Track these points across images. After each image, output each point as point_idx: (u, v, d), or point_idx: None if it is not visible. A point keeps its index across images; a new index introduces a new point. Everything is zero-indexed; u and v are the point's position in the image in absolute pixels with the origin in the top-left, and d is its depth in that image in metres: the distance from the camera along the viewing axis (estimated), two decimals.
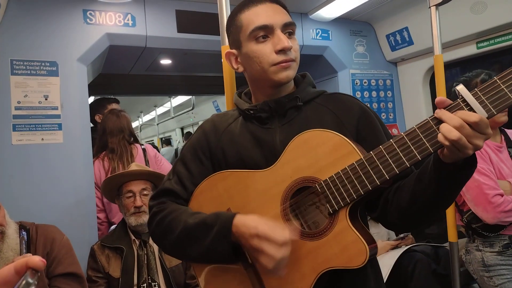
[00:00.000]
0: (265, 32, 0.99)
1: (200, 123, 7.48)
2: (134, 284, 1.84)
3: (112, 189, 1.99)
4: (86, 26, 2.31)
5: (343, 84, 3.11)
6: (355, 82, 3.16)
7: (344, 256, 0.86)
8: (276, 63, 0.98)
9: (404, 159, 0.82)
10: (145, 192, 1.93)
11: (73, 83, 2.25)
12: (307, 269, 0.90)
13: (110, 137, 2.47)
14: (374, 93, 3.23)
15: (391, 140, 0.84)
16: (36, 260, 0.43)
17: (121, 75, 3.60)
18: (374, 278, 1.02)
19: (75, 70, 2.26)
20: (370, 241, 0.88)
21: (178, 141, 9.89)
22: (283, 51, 0.97)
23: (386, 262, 2.17)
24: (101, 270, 1.84)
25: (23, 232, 1.60)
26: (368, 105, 1.08)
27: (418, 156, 0.80)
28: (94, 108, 2.90)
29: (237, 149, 1.04)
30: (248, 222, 0.90)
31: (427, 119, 0.80)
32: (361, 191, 0.86)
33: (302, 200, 0.94)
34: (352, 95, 1.10)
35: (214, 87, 4.57)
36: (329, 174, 0.89)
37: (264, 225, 0.87)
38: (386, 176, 0.84)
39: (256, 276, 0.96)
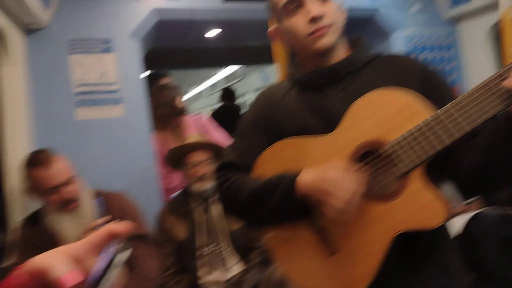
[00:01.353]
0: (296, 3, 0.98)
1: (247, 94, 7.53)
2: (199, 247, 1.94)
3: (174, 160, 2.09)
4: (135, 2, 2.37)
5: (397, 48, 2.94)
6: (410, 44, 2.98)
7: (420, 217, 0.85)
8: (309, 33, 0.97)
9: (474, 116, 0.78)
10: (206, 162, 2.00)
11: (128, 58, 2.34)
12: (381, 231, 0.89)
13: (158, 111, 2.57)
14: (432, 54, 3.04)
15: (460, 96, 0.80)
16: (123, 226, 0.46)
17: (171, 49, 3.68)
18: (452, 244, 1.00)
19: (129, 46, 2.35)
20: (446, 202, 0.86)
21: None
22: (313, 20, 0.95)
23: (452, 228, 2.11)
24: (168, 234, 1.96)
25: (97, 200, 1.73)
26: (431, 65, 1.01)
27: (492, 111, 0.76)
28: (150, 83, 3.01)
29: (294, 119, 1.03)
30: (312, 171, 0.91)
31: (500, 70, 0.75)
32: (431, 151, 0.83)
33: (367, 165, 0.92)
34: (410, 55, 1.04)
35: (262, 56, 4.54)
36: (395, 136, 0.87)
37: (330, 168, 0.88)
38: (456, 134, 0.80)
39: (326, 240, 0.96)
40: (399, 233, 0.87)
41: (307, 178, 0.92)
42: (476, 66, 3.00)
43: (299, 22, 0.98)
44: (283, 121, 1.05)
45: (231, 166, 1.09)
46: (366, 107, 0.91)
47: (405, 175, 0.87)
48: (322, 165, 0.92)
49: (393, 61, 1.01)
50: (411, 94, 0.88)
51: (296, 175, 0.93)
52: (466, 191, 0.95)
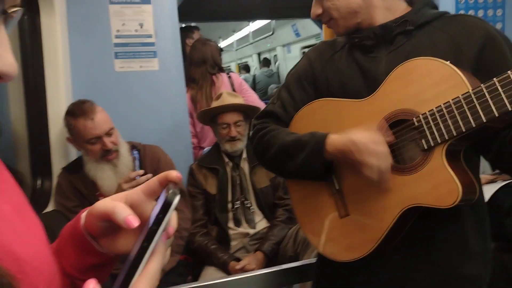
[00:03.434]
0: None
1: (277, 48, 7.36)
2: (228, 201, 2.01)
3: (207, 118, 2.11)
4: None
5: (445, 3, 2.76)
6: (459, 0, 2.80)
7: (433, 194, 0.84)
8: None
9: None
10: (238, 124, 2.02)
11: (164, 10, 2.31)
12: (393, 202, 0.90)
13: (194, 67, 2.56)
14: (481, 12, 2.84)
15: (508, 71, 0.74)
16: (175, 174, 0.49)
17: (204, 1, 3.60)
18: (474, 225, 0.97)
19: None
20: (468, 184, 0.84)
21: (255, 67, 9.90)
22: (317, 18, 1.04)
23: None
24: (199, 187, 2.03)
25: (135, 152, 1.79)
26: (502, 32, 0.94)
27: None
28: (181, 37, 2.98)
29: (340, 78, 1.03)
30: (343, 137, 0.92)
31: None
32: (463, 128, 0.80)
33: (399, 134, 0.91)
34: (481, 18, 0.97)
35: (295, 9, 4.40)
36: (430, 108, 0.84)
37: (360, 136, 0.88)
38: (495, 112, 0.75)
39: (342, 201, 1.00)
40: (410, 206, 0.88)
41: (337, 139, 0.93)
42: None
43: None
44: (328, 79, 1.05)
45: (271, 115, 1.12)
46: (406, 73, 0.89)
47: (431, 149, 0.85)
48: (352, 129, 0.93)
49: (458, 22, 0.94)
50: (460, 65, 0.84)
51: (326, 135, 0.96)
52: (510, 173, 0.93)
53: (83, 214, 0.54)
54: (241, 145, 2.01)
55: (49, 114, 1.89)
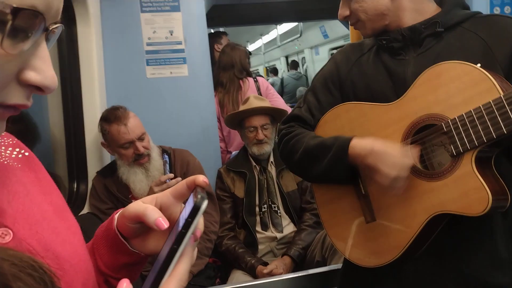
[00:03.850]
0: None
1: (305, 50, 7.32)
2: (256, 205, 2.03)
3: (234, 122, 2.15)
4: None
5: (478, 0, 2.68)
6: None
7: (462, 201, 0.82)
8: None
9: None
10: (265, 127, 2.04)
11: (193, 17, 2.36)
12: (420, 208, 0.89)
13: (222, 72, 2.60)
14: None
15: None
16: (202, 179, 0.51)
17: (231, 6, 3.64)
18: (506, 233, 0.94)
19: (194, 4, 2.36)
20: (499, 191, 0.82)
21: (283, 70, 9.89)
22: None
23: None
24: (228, 190, 2.06)
25: (165, 156, 1.85)
26: None
27: None
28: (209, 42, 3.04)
29: (366, 81, 1.02)
30: (364, 142, 0.92)
31: None
32: (493, 134, 0.78)
33: (428, 138, 0.90)
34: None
35: (322, 11, 4.37)
36: (459, 113, 0.83)
37: (380, 143, 0.88)
38: None
39: (368, 206, 1.00)
40: (438, 213, 0.86)
41: (358, 143, 0.94)
42: None
43: None
44: (355, 82, 1.05)
45: (297, 119, 1.13)
46: (435, 77, 0.88)
47: (460, 155, 0.84)
48: (378, 136, 0.93)
49: (490, 23, 0.92)
50: (492, 69, 0.82)
51: (350, 139, 0.96)
52: None
53: (116, 215, 0.57)
54: (268, 148, 2.03)
55: (85, 120, 1.98)
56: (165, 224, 0.49)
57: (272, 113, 2.07)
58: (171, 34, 2.36)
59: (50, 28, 0.39)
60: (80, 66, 2.00)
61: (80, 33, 2.00)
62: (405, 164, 0.87)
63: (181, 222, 0.44)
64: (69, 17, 1.96)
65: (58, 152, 2.02)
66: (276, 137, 2.09)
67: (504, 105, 0.77)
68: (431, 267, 0.95)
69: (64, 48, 1.99)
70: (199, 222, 0.49)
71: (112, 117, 1.76)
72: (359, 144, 0.93)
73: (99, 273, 0.57)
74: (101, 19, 2.20)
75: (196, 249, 0.54)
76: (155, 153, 1.84)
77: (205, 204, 0.44)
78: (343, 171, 0.97)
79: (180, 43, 2.36)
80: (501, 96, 0.77)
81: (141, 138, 1.77)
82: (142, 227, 0.54)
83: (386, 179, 0.87)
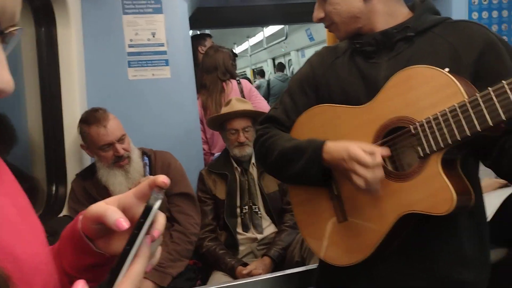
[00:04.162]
0: None
1: (291, 52, 7.38)
2: (237, 206, 2.04)
3: (216, 124, 2.15)
4: None
5: (458, 4, 2.72)
6: (472, 1, 2.76)
7: (428, 201, 0.85)
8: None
9: None
10: (247, 129, 2.05)
11: (176, 19, 2.36)
12: (390, 208, 0.91)
13: (205, 74, 2.60)
14: (495, 13, 2.80)
15: (503, 81, 0.74)
16: (161, 179, 0.52)
17: (217, 8, 3.64)
18: (471, 231, 0.97)
19: (177, 6, 2.36)
20: (463, 191, 0.84)
21: (269, 72, 9.93)
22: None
23: (492, 201, 2.05)
24: (209, 192, 2.07)
25: (146, 158, 1.84)
26: (503, 38, 0.94)
27: None
28: (193, 44, 3.04)
29: (341, 83, 1.04)
30: (338, 146, 0.94)
31: None
32: (458, 136, 0.80)
33: (397, 140, 0.92)
34: (483, 24, 0.96)
35: (308, 14, 4.40)
36: (427, 115, 0.85)
37: (354, 147, 0.89)
38: (490, 122, 0.76)
39: (340, 206, 1.02)
40: (407, 213, 0.89)
41: (333, 147, 0.96)
42: None
43: None
44: (330, 85, 1.07)
45: (274, 120, 1.15)
46: (405, 81, 0.90)
47: (427, 156, 0.86)
48: (351, 138, 0.95)
49: (458, 29, 0.95)
50: (453, 73, 0.84)
51: (323, 142, 0.98)
52: (509, 181, 0.93)
53: (81, 217, 0.57)
54: (249, 150, 2.04)
55: (64, 123, 1.96)
56: (125, 224, 0.49)
57: (254, 116, 2.09)
58: (154, 36, 2.35)
59: (6, 31, 0.40)
60: (60, 68, 1.98)
61: (60, 35, 1.99)
62: (380, 165, 0.89)
63: (135, 224, 0.44)
64: (48, 18, 1.94)
65: (36, 154, 2.00)
66: None
67: (467, 108, 0.79)
68: (401, 265, 0.98)
69: (43, 49, 1.97)
70: (159, 222, 0.50)
71: (91, 119, 1.75)
72: (334, 148, 0.95)
73: (64, 274, 0.58)
74: (82, 21, 2.18)
75: (159, 249, 0.54)
76: (136, 155, 1.84)
77: (157, 204, 0.44)
78: (316, 173, 0.99)
79: (162, 45, 2.36)
80: (465, 100, 0.80)
81: (121, 140, 1.77)
82: (106, 228, 0.54)
83: (362, 183, 0.88)
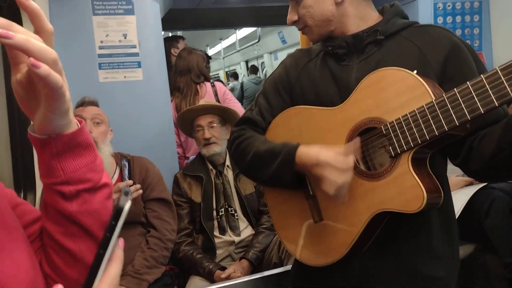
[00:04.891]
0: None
1: (264, 55, 7.40)
2: (213, 209, 2.03)
3: (185, 124, 2.14)
4: None
5: (424, 9, 2.83)
6: (437, 6, 2.87)
7: (400, 199, 0.87)
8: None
9: (478, 104, 0.76)
10: (212, 125, 2.04)
11: (148, 20, 2.33)
12: (362, 207, 0.93)
13: (179, 77, 2.58)
14: (458, 18, 2.92)
15: (467, 82, 0.77)
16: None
17: (189, 10, 3.62)
18: (441, 228, 1.00)
19: (149, 8, 2.33)
20: (433, 189, 0.87)
21: (243, 75, 9.94)
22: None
23: (460, 198, 2.13)
24: (184, 196, 2.05)
25: (124, 161, 1.80)
26: (467, 42, 0.98)
27: (496, 102, 0.73)
28: (165, 46, 3.00)
29: (314, 85, 1.06)
30: (310, 152, 0.95)
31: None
32: (427, 136, 0.83)
33: (369, 141, 0.95)
34: (447, 28, 1.00)
35: (280, 17, 4.45)
36: (397, 116, 0.88)
37: (325, 153, 0.91)
38: (456, 122, 0.79)
39: (315, 206, 1.03)
40: (379, 212, 0.91)
41: (304, 153, 0.97)
42: (504, 32, 2.88)
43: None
44: (303, 87, 1.08)
45: (249, 122, 1.15)
46: (375, 83, 0.92)
47: (398, 156, 0.89)
48: (324, 138, 0.98)
49: (425, 32, 0.98)
50: (421, 75, 0.87)
51: (297, 147, 0.99)
52: (477, 178, 0.97)
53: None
54: (218, 148, 2.02)
55: (29, 126, 1.89)
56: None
57: (220, 114, 2.08)
58: (125, 38, 2.31)
59: None
60: None
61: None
62: (351, 168, 0.90)
63: (107, 227, 0.43)
64: (15, 19, 1.87)
65: (2, 159, 1.92)
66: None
67: (435, 109, 0.82)
68: (375, 262, 1.00)
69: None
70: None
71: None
72: (305, 154, 0.96)
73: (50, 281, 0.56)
74: (50, 21, 2.10)
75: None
76: (107, 152, 1.79)
77: (128, 205, 0.44)
78: (290, 177, 1.00)
79: (134, 46, 2.32)
80: (433, 100, 0.83)
81: (95, 122, 1.78)
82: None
83: (332, 188, 0.90)
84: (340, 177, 0.89)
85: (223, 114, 2.09)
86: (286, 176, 1.00)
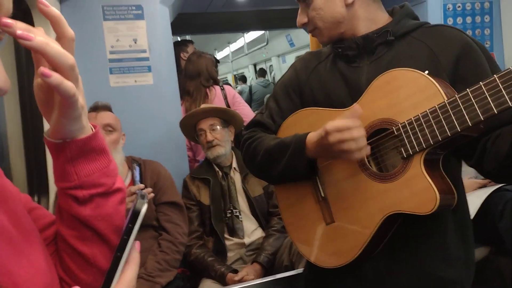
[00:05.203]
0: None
1: (272, 58, 7.44)
2: (221, 211, 2.03)
3: (189, 129, 2.15)
4: None
5: (433, 10, 2.81)
6: (447, 7, 2.85)
7: (413, 201, 0.86)
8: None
9: (492, 104, 0.74)
10: (214, 127, 2.05)
11: (157, 25, 2.35)
12: (375, 209, 0.92)
13: (189, 80, 2.59)
14: (468, 19, 2.90)
15: (480, 82, 0.76)
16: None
17: (198, 14, 3.65)
18: (456, 230, 0.99)
19: (158, 12, 2.35)
20: (446, 191, 0.86)
21: (251, 78, 9.96)
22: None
23: (473, 201, 2.10)
24: (193, 198, 2.05)
25: (136, 166, 1.81)
26: (479, 42, 0.97)
27: (509, 102, 0.72)
28: (175, 50, 3.02)
29: (324, 87, 1.06)
30: (317, 131, 0.95)
31: None
32: (439, 137, 0.82)
33: (381, 142, 0.94)
34: (459, 29, 0.99)
35: (288, 20, 4.46)
36: (408, 117, 0.87)
37: (331, 122, 0.89)
38: (469, 122, 0.78)
39: (327, 208, 1.03)
40: (391, 213, 0.90)
41: (313, 134, 0.97)
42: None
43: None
44: (313, 89, 1.08)
45: (259, 125, 1.16)
46: (386, 84, 0.92)
47: (410, 157, 0.88)
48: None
49: (436, 32, 0.97)
50: (433, 75, 0.86)
51: (306, 135, 0.99)
52: (492, 179, 0.96)
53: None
54: (221, 150, 2.02)
55: (45, 129, 1.91)
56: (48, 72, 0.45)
57: (221, 116, 2.08)
58: (135, 42, 2.33)
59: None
60: None
61: None
62: (358, 125, 0.88)
63: (124, 229, 0.44)
64: (27, 23, 1.90)
65: (17, 164, 1.95)
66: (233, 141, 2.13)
67: (448, 109, 0.81)
68: (388, 265, 0.99)
69: (22, 54, 1.93)
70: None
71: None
72: (314, 135, 0.97)
73: (64, 283, 0.57)
74: None
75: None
76: (119, 158, 1.80)
77: (144, 208, 0.44)
78: (302, 165, 1.00)
79: (144, 51, 2.34)
80: (445, 101, 0.82)
81: (107, 130, 1.77)
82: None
83: (351, 146, 0.86)
84: (353, 133, 0.86)
85: (223, 115, 2.09)
86: (299, 165, 1.00)
